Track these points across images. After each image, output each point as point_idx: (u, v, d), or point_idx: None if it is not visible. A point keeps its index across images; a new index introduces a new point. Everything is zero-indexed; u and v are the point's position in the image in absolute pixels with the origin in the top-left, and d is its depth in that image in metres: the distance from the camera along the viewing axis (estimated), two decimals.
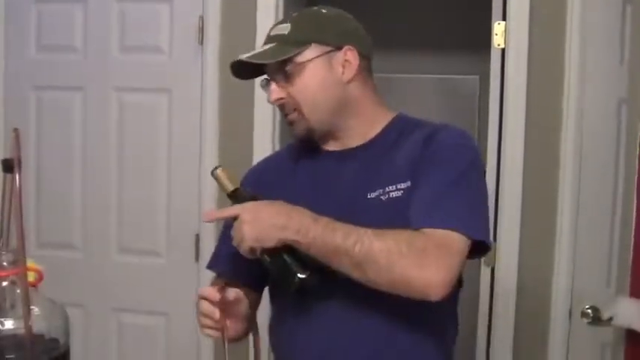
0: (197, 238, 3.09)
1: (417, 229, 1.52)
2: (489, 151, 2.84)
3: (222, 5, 3.02)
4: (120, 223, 3.20)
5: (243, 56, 1.68)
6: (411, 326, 1.63)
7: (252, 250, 1.54)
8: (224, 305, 1.55)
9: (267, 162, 1.94)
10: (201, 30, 3.05)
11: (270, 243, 1.53)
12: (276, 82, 1.69)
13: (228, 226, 1.80)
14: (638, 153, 1.81)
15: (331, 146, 1.75)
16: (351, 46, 1.68)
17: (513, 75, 2.74)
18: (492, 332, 2.82)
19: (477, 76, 4.25)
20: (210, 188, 3.01)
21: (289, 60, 1.66)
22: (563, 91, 2.68)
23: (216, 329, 1.57)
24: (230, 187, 1.63)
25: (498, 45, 2.79)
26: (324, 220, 1.52)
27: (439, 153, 1.61)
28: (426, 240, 1.50)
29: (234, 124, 3.04)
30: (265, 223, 1.52)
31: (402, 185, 1.62)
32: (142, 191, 3.18)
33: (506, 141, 2.76)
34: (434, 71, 4.43)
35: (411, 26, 4.36)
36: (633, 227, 1.80)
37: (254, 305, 1.75)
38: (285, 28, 1.68)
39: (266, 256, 1.56)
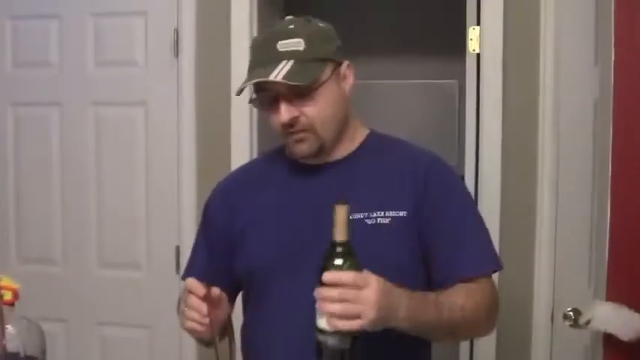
0: (177, 250, 3.07)
1: (469, 277, 1.58)
2: (467, 156, 2.84)
3: (196, 18, 3.02)
4: (99, 237, 3.18)
5: (271, 77, 1.53)
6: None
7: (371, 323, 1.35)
8: (208, 302, 1.52)
9: (235, 179, 1.89)
10: (176, 43, 3.03)
11: (388, 324, 1.40)
12: (288, 101, 1.59)
13: (206, 237, 1.85)
14: (610, 156, 1.80)
15: (309, 160, 1.70)
16: (348, 61, 1.67)
17: (489, 79, 2.74)
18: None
19: (456, 81, 4.26)
20: (189, 200, 3.02)
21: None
22: (539, 93, 2.68)
23: (201, 324, 1.52)
24: (343, 236, 1.38)
25: (473, 50, 2.79)
26: (424, 297, 1.50)
27: (448, 192, 1.66)
28: (489, 292, 1.61)
29: (211, 136, 3.03)
30: (393, 301, 1.39)
31: (392, 213, 1.61)
32: (120, 205, 3.16)
33: (484, 145, 2.76)
34: (413, 76, 4.45)
35: (388, 32, 4.38)
36: (607, 231, 1.80)
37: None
38: (297, 44, 1.58)
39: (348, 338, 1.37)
